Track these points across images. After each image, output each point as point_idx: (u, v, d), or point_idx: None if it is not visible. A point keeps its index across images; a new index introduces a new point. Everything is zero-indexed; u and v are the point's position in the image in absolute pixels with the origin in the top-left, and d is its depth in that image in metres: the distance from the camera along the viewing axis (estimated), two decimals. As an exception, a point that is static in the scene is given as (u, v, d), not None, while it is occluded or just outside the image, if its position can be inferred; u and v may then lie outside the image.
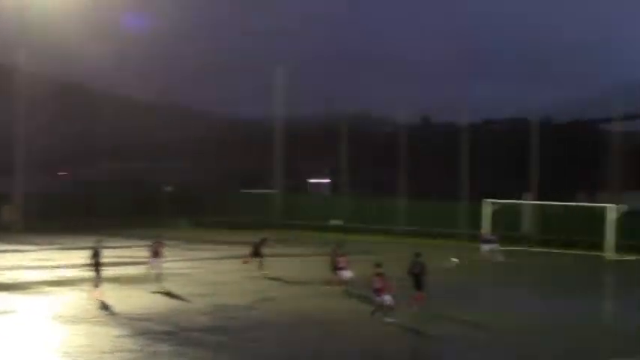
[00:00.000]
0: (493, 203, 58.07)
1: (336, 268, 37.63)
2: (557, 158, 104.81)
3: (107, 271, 42.65)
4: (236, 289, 37.29)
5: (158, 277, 38.12)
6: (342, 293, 35.40)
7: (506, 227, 60.08)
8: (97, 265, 34.56)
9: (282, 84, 73.98)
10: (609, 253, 52.08)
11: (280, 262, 49.18)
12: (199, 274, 42.99)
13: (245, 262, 42.54)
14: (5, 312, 30.57)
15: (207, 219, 75.22)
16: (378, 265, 30.26)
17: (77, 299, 33.78)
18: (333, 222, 69.98)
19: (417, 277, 31.52)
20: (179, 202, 78.13)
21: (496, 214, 58.11)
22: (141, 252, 52.49)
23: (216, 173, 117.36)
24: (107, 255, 50.24)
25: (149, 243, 40.24)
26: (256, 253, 42.45)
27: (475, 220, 60.43)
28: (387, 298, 28.84)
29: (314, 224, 70.12)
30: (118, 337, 26.14)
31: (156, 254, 38.90)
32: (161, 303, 33.10)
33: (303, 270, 45.50)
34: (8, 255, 50.43)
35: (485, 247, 50.74)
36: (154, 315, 30.26)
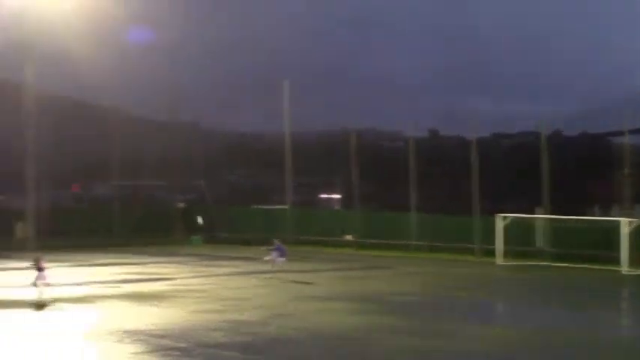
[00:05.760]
0: (505, 217, 57.79)
1: None
2: (570, 171, 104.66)
3: (120, 288, 42.81)
4: (249, 305, 37.09)
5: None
6: (353, 309, 35.10)
7: (519, 242, 59.81)
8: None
9: (289, 98, 73.79)
10: (625, 268, 51.74)
11: (294, 278, 49.05)
12: (213, 290, 42.78)
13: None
14: (15, 329, 30.41)
15: (219, 235, 75.14)
16: None
17: (89, 316, 33.59)
18: (347, 237, 69.77)
19: None
20: (191, 219, 78.12)
21: (509, 229, 57.86)
22: (153, 269, 52.68)
23: (227, 189, 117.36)
24: (119, 272, 50.59)
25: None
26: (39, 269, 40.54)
27: (488, 234, 60.21)
28: None
29: (326, 239, 69.88)
30: (134, 353, 25.93)
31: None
32: (176, 319, 32.90)
33: (316, 285, 45.32)
34: (27, 272, 49.79)
35: (274, 256, 47.25)
36: (168, 331, 30.07)
